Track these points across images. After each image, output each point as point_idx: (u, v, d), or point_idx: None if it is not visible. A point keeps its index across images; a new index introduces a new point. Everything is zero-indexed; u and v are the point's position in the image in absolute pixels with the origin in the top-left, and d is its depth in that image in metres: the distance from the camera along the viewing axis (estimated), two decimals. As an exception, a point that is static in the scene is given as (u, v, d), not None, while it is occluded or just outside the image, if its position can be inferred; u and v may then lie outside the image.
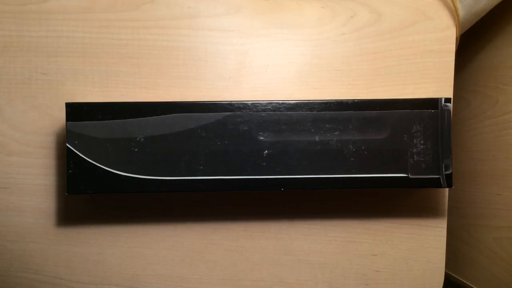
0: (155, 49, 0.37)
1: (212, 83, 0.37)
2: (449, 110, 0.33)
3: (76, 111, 0.32)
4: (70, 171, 0.32)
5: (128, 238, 0.37)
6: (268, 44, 0.37)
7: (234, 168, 0.32)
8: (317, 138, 0.32)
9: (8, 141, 0.36)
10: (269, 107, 0.32)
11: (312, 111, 0.33)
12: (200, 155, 0.32)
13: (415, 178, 0.33)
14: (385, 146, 0.33)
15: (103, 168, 0.32)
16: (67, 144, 0.32)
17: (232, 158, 0.32)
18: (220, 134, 0.32)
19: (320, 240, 0.38)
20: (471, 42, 0.46)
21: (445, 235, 0.38)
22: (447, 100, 0.33)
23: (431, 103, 0.33)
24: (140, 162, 0.32)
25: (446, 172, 0.33)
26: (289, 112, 0.32)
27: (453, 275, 0.47)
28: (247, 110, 0.32)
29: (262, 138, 0.32)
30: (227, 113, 0.32)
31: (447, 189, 0.39)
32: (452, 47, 0.38)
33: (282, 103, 0.32)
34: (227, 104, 0.32)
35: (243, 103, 0.32)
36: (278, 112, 0.32)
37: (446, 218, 0.38)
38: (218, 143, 0.32)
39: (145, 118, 0.32)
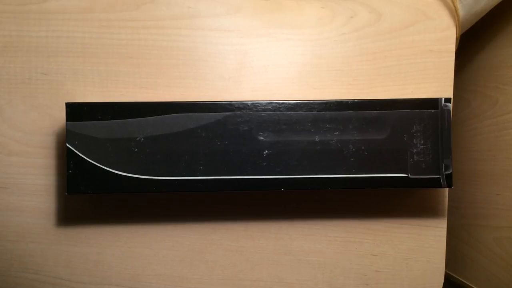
0: (155, 49, 0.37)
1: (212, 83, 0.37)
2: (449, 110, 0.33)
3: (76, 111, 0.32)
4: (70, 171, 0.32)
5: (128, 238, 0.37)
6: (268, 44, 0.37)
7: (234, 168, 0.32)
8: (317, 138, 0.32)
9: (8, 141, 0.36)
10: (269, 107, 0.32)
11: (312, 111, 0.33)
12: (200, 155, 0.32)
13: (415, 178, 0.33)
14: (385, 146, 0.33)
15: (103, 168, 0.32)
16: (67, 144, 0.32)
17: (232, 158, 0.32)
18: (220, 134, 0.32)
19: (320, 240, 0.38)
20: (471, 42, 0.46)
21: (445, 235, 0.38)
22: (447, 100, 0.33)
23: (431, 103, 0.33)
24: (140, 162, 0.32)
25: (446, 172, 0.33)
26: (289, 112, 0.32)
27: (453, 275, 0.47)
28: (247, 110, 0.32)
29: (262, 138, 0.32)
30: (227, 113, 0.32)
31: (447, 189, 0.39)
32: (452, 47, 0.38)
33: (282, 103, 0.32)
34: (227, 104, 0.32)
35: (243, 103, 0.32)
36: (278, 112, 0.32)
37: (446, 218, 0.38)
38: (218, 143, 0.32)
39: (145, 118, 0.32)
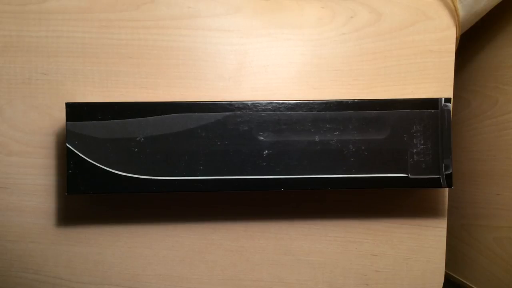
0: (155, 49, 0.37)
1: (212, 83, 0.37)
2: (449, 110, 0.33)
3: (76, 111, 0.32)
4: (70, 171, 0.32)
5: (128, 238, 0.37)
6: (268, 44, 0.37)
7: (234, 168, 0.32)
8: (317, 138, 0.32)
9: (8, 141, 0.36)
10: (269, 107, 0.32)
11: (312, 111, 0.33)
12: (200, 155, 0.32)
13: (415, 178, 0.33)
14: (385, 146, 0.33)
15: (103, 168, 0.32)
16: (67, 144, 0.32)
17: (232, 158, 0.32)
18: (220, 134, 0.32)
19: (320, 240, 0.38)
20: (471, 42, 0.46)
21: (445, 235, 0.38)
22: (447, 100, 0.33)
23: (431, 103, 0.33)
24: (140, 162, 0.32)
25: (446, 172, 0.33)
26: (289, 112, 0.32)
27: (453, 275, 0.47)
28: (247, 110, 0.32)
29: (262, 138, 0.32)
30: (227, 113, 0.32)
31: (447, 189, 0.39)
32: (452, 47, 0.38)
33: (282, 103, 0.32)
34: (227, 104, 0.32)
35: (243, 103, 0.32)
36: (278, 112, 0.32)
37: (446, 218, 0.38)
38: (218, 143, 0.32)
39: (145, 118, 0.32)
